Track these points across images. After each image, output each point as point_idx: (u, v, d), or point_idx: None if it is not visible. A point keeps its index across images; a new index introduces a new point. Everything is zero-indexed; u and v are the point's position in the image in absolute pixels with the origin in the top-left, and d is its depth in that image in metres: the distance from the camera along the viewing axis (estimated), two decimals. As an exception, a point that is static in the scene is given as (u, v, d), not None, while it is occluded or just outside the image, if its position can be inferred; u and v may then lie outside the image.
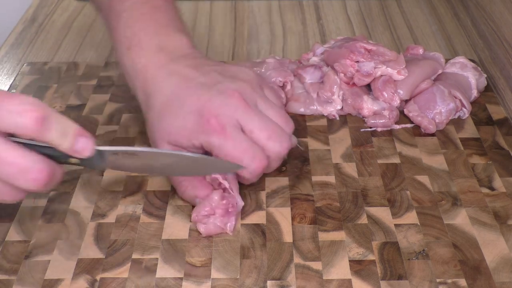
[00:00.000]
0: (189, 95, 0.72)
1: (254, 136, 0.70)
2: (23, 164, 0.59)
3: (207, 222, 0.70)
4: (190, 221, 0.72)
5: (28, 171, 0.59)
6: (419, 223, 0.72)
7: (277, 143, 0.71)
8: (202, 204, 0.71)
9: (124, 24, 0.75)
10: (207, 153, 0.72)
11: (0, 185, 0.60)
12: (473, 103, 0.90)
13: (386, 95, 0.87)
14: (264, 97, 0.74)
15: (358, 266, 0.67)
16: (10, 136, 0.60)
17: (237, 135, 0.70)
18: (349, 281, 0.66)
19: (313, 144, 0.84)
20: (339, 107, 0.88)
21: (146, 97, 0.75)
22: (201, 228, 0.70)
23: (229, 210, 0.71)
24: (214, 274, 0.67)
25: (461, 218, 0.73)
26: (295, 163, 0.81)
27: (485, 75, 0.93)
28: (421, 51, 0.94)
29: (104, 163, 0.65)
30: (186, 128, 0.71)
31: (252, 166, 0.70)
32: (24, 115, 0.57)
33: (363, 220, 0.73)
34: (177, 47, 0.76)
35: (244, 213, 0.74)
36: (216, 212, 0.70)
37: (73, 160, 0.62)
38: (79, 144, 0.61)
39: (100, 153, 0.63)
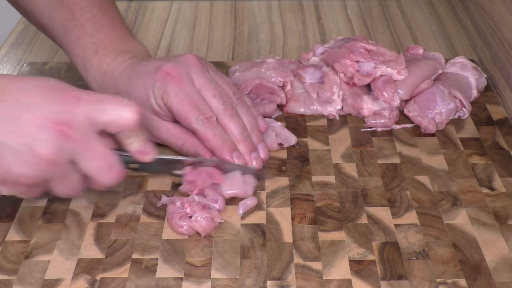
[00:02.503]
0: (147, 64, 0.80)
1: (203, 93, 0.78)
2: (111, 160, 0.66)
3: (193, 221, 0.71)
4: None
5: (113, 168, 0.66)
6: (419, 223, 0.72)
7: (220, 102, 0.78)
8: (174, 211, 0.72)
9: (89, 33, 0.83)
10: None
11: (75, 177, 0.66)
12: (473, 103, 0.90)
13: (386, 95, 0.87)
14: (213, 68, 0.82)
15: (358, 266, 0.67)
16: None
17: (190, 87, 0.78)
18: (349, 281, 0.66)
19: (313, 144, 0.84)
20: (339, 107, 0.88)
21: (112, 89, 0.81)
22: (198, 227, 0.71)
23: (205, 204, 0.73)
24: (214, 274, 0.67)
25: (461, 218, 0.73)
26: (295, 163, 0.81)
27: (485, 75, 0.93)
28: (421, 51, 0.94)
29: (158, 169, 0.75)
30: (148, 86, 0.78)
31: (199, 120, 0.77)
32: (129, 108, 0.66)
33: (363, 220, 0.73)
34: (138, 51, 0.85)
35: (244, 213, 0.74)
36: (195, 211, 0.71)
37: (133, 165, 0.71)
38: (146, 148, 0.70)
39: (157, 159, 0.71)
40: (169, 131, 0.80)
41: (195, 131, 0.77)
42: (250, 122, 0.80)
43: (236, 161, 0.77)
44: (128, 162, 0.70)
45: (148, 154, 0.70)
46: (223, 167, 0.77)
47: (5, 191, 0.65)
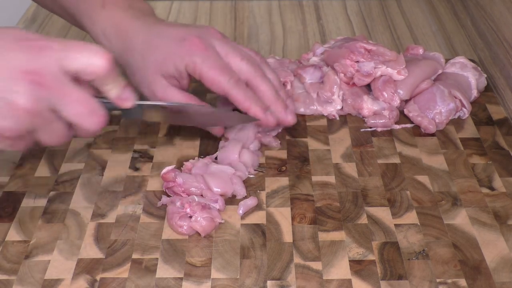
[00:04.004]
0: (168, 29, 0.81)
1: (229, 59, 0.80)
2: (93, 106, 0.65)
3: (193, 221, 0.71)
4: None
5: (95, 113, 0.65)
6: (419, 223, 0.72)
7: (249, 64, 0.81)
8: (174, 211, 0.72)
9: None
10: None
11: (59, 125, 0.65)
12: (473, 103, 0.90)
13: (386, 95, 0.87)
14: (231, 41, 0.84)
15: (358, 266, 0.67)
16: None
17: (216, 55, 0.80)
18: (349, 281, 0.66)
19: (313, 144, 0.84)
20: (339, 107, 0.88)
21: (123, 45, 0.82)
22: (198, 227, 0.71)
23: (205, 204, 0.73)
24: (214, 274, 0.67)
25: (461, 218, 0.73)
26: (295, 163, 0.81)
27: (485, 75, 0.93)
28: (421, 51, 0.94)
29: (141, 115, 0.74)
30: (171, 54, 0.79)
31: (231, 83, 0.79)
32: (99, 55, 0.65)
33: (363, 220, 0.73)
34: (144, 8, 0.85)
35: (244, 213, 0.74)
36: (195, 211, 0.71)
37: (115, 112, 0.70)
38: (125, 94, 0.69)
39: (138, 105, 0.71)
40: (175, 97, 0.80)
41: (228, 93, 0.79)
42: (275, 80, 0.84)
43: (270, 120, 0.80)
44: (110, 109, 0.69)
45: (128, 100, 0.69)
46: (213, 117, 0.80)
47: None
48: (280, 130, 0.85)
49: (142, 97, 0.79)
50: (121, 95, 0.69)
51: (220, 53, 0.80)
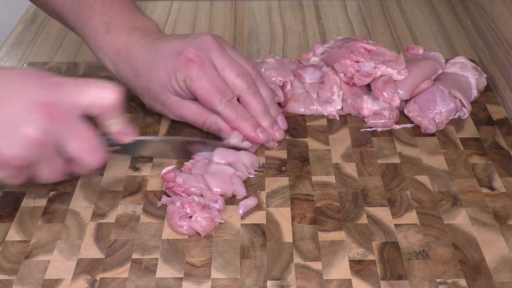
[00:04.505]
0: (165, 46, 0.82)
1: (225, 74, 0.81)
2: (95, 143, 0.68)
3: (193, 221, 0.71)
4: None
5: (97, 150, 0.68)
6: (419, 223, 0.72)
7: (244, 81, 0.81)
8: (174, 211, 0.72)
9: (99, 13, 0.84)
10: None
11: (60, 160, 0.68)
12: (473, 103, 0.90)
13: (386, 95, 0.87)
14: (229, 46, 0.85)
15: (358, 266, 0.67)
16: None
17: (212, 71, 0.80)
18: (349, 281, 0.66)
19: (313, 144, 0.84)
20: (339, 107, 0.88)
21: (129, 70, 0.83)
22: (198, 227, 0.71)
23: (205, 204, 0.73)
24: (214, 274, 0.67)
25: (461, 218, 0.73)
26: (295, 163, 0.81)
27: (485, 75, 0.93)
28: (421, 51, 0.94)
29: (139, 150, 0.78)
30: (170, 71, 0.80)
31: (223, 103, 0.80)
32: (111, 89, 0.68)
33: (363, 220, 0.73)
34: (148, 27, 0.86)
35: (244, 213, 0.74)
36: (195, 211, 0.71)
37: (115, 148, 0.73)
38: (126, 129, 0.71)
39: (137, 141, 0.74)
40: (190, 109, 0.82)
41: (218, 113, 0.81)
42: (268, 96, 0.85)
43: (261, 136, 0.81)
44: (109, 145, 0.72)
45: (129, 135, 0.72)
46: (211, 144, 0.80)
47: None
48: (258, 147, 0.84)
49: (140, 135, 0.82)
50: (122, 130, 0.71)
51: (217, 67, 0.81)
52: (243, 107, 0.82)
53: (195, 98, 0.82)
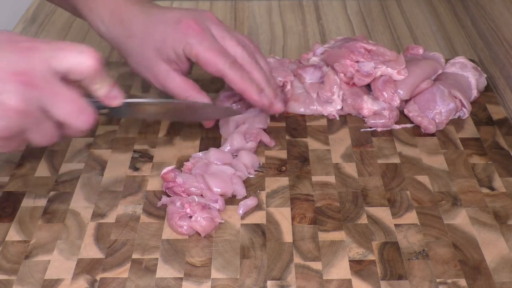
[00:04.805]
0: (165, 13, 0.82)
1: (225, 43, 0.81)
2: (81, 104, 0.66)
3: (193, 221, 0.71)
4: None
5: (84, 111, 0.66)
6: (419, 223, 0.72)
7: (244, 50, 0.82)
8: (174, 211, 0.72)
9: None
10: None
11: (49, 125, 0.66)
12: (473, 103, 0.90)
13: (386, 95, 0.87)
14: (227, 26, 0.85)
15: (358, 266, 0.67)
16: None
17: (212, 38, 0.81)
18: (349, 281, 0.66)
19: (313, 144, 0.84)
20: (339, 107, 0.88)
21: (122, 31, 0.82)
22: (198, 227, 0.71)
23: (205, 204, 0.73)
24: (214, 274, 0.67)
25: (461, 218, 0.73)
26: (295, 163, 0.81)
27: (485, 75, 0.93)
28: (421, 51, 0.94)
29: (128, 113, 0.75)
30: (168, 38, 0.80)
31: (227, 64, 0.80)
32: (88, 54, 0.65)
33: (363, 220, 0.73)
34: None
35: (244, 213, 0.74)
36: (195, 211, 0.71)
37: (103, 111, 0.71)
38: (113, 92, 0.70)
39: (125, 104, 0.72)
40: (175, 81, 0.82)
41: (224, 75, 0.80)
42: (267, 69, 0.84)
43: (264, 101, 0.81)
44: (98, 108, 0.70)
45: (116, 99, 0.70)
46: (198, 109, 0.81)
47: None
48: (266, 126, 0.85)
49: (126, 94, 0.79)
50: (109, 94, 0.69)
51: (216, 37, 0.81)
52: (247, 72, 0.81)
53: (183, 73, 0.82)
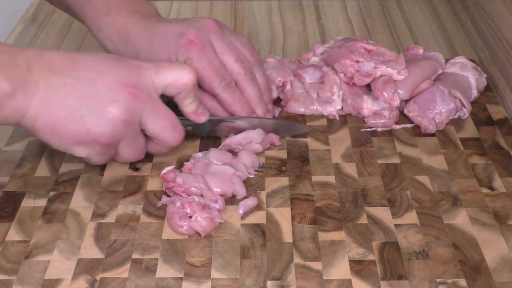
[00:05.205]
0: (167, 27, 0.83)
1: (224, 58, 0.83)
2: (175, 121, 0.73)
3: (193, 221, 0.71)
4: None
5: (176, 128, 0.74)
6: (419, 223, 0.72)
7: (241, 67, 0.83)
8: (174, 211, 0.72)
9: None
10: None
11: (141, 139, 0.73)
12: (473, 103, 0.90)
13: (386, 95, 0.87)
14: (229, 30, 0.86)
15: (358, 266, 0.67)
16: None
17: (212, 53, 0.82)
18: (349, 281, 0.66)
19: (313, 144, 0.84)
20: (339, 107, 0.88)
21: (129, 51, 0.84)
22: (198, 227, 0.71)
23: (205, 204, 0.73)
24: (214, 274, 0.67)
25: (461, 218, 0.73)
26: (295, 163, 0.81)
27: (485, 75, 0.93)
28: (421, 51, 0.94)
29: (209, 130, 0.82)
30: (171, 52, 0.81)
31: (222, 86, 0.82)
32: (187, 70, 0.73)
33: (363, 220, 0.73)
34: (148, 11, 0.87)
35: (244, 213, 0.74)
36: (195, 211, 0.71)
37: (187, 128, 0.77)
38: (200, 109, 0.77)
39: (209, 121, 0.79)
40: None
41: (217, 95, 0.82)
42: (263, 83, 0.86)
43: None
44: (183, 125, 0.75)
45: (203, 115, 0.77)
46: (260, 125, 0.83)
47: (83, 151, 0.71)
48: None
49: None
50: (197, 110, 0.76)
51: (216, 50, 0.82)
52: (240, 93, 0.83)
53: None
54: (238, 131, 0.83)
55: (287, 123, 0.86)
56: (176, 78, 0.73)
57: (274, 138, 0.83)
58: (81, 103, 0.69)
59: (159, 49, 0.82)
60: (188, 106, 0.75)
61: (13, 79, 0.66)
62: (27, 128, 0.70)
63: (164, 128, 0.73)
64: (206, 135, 0.83)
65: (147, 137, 0.75)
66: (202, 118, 0.77)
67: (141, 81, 0.71)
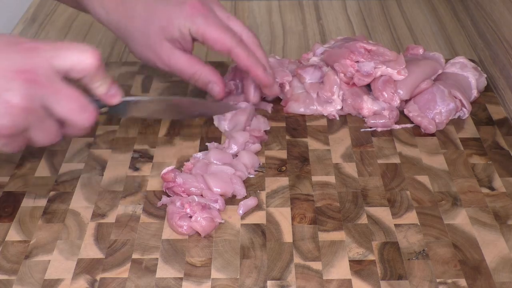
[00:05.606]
0: None
1: (230, 22, 0.83)
2: (83, 102, 0.67)
3: (193, 221, 0.71)
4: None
5: (85, 109, 0.67)
6: (419, 223, 0.72)
7: (249, 31, 0.84)
8: (174, 211, 0.72)
9: None
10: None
11: (51, 123, 0.67)
12: (473, 103, 0.90)
13: (386, 95, 0.87)
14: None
15: (358, 266, 0.67)
16: None
17: (217, 18, 0.82)
18: (349, 281, 0.66)
19: (313, 144, 0.84)
20: (339, 107, 0.88)
21: (123, 12, 0.83)
22: (198, 227, 0.71)
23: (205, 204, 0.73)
24: (214, 274, 0.67)
25: (461, 218, 0.73)
26: (295, 163, 0.81)
27: (485, 75, 0.93)
28: (421, 51, 0.94)
29: (127, 111, 0.75)
30: (173, 18, 0.81)
31: (235, 41, 0.81)
32: (89, 53, 0.67)
33: (363, 220, 0.73)
34: None
35: (244, 213, 0.74)
36: (195, 211, 0.71)
37: (103, 109, 0.72)
38: (112, 90, 0.71)
39: (124, 102, 0.73)
40: (181, 59, 0.83)
41: (231, 50, 0.81)
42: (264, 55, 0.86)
43: (267, 79, 0.84)
44: (98, 107, 0.71)
45: (115, 97, 0.71)
46: (197, 107, 0.83)
47: None
48: (269, 128, 0.86)
49: (126, 94, 0.79)
50: (109, 92, 0.71)
51: (221, 17, 0.83)
52: (251, 50, 0.83)
53: (189, 50, 0.83)
54: (163, 114, 0.82)
55: (216, 103, 0.85)
56: (77, 62, 0.67)
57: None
58: None
59: (158, 11, 0.81)
60: (98, 89, 0.70)
61: None
62: None
63: (72, 110, 0.67)
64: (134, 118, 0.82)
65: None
66: (114, 100, 0.72)
67: (37, 65, 0.65)
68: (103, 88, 0.70)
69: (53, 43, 0.67)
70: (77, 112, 0.67)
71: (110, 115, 0.76)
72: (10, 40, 0.67)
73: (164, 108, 0.80)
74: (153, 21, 0.82)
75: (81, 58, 0.67)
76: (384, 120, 0.86)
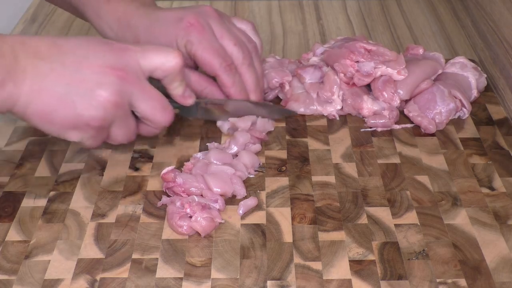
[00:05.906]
0: (167, 13, 0.84)
1: (223, 42, 0.83)
2: (165, 102, 0.74)
3: (193, 221, 0.71)
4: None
5: (166, 108, 0.74)
6: (419, 223, 0.72)
7: (240, 51, 0.84)
8: (174, 211, 0.72)
9: None
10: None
11: (132, 121, 0.74)
12: (473, 103, 0.90)
13: (386, 95, 0.87)
14: (228, 18, 0.87)
15: (358, 266, 0.67)
16: None
17: (212, 36, 0.83)
18: (349, 281, 0.66)
19: (313, 144, 0.84)
20: (339, 107, 0.88)
21: (129, 36, 0.84)
22: (198, 227, 0.71)
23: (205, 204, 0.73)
24: (214, 274, 0.67)
25: (461, 218, 0.73)
26: (295, 163, 0.81)
27: (485, 75, 0.93)
28: (421, 51, 0.94)
29: (197, 113, 0.83)
30: (171, 36, 0.82)
31: (223, 67, 0.82)
32: (174, 54, 0.74)
33: (363, 220, 0.73)
34: (147, 0, 0.88)
35: (244, 213, 0.74)
36: (195, 211, 0.71)
37: (175, 110, 0.77)
38: (187, 92, 0.78)
39: (196, 103, 0.80)
40: (189, 77, 0.84)
41: (217, 76, 0.83)
42: (259, 70, 0.87)
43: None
44: (173, 106, 0.76)
45: (190, 98, 0.78)
46: (252, 109, 0.85)
47: (76, 136, 0.71)
48: (273, 129, 0.86)
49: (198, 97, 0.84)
50: (184, 93, 0.77)
51: (216, 34, 0.83)
52: (240, 77, 0.84)
53: (193, 67, 0.84)
54: (227, 115, 0.84)
55: (274, 106, 0.88)
56: (163, 62, 0.73)
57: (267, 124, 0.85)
58: (70, 88, 0.69)
59: (160, 34, 0.83)
60: (176, 89, 0.76)
61: (1, 68, 0.66)
62: (18, 115, 0.70)
63: (154, 109, 0.73)
64: (201, 119, 0.85)
65: (137, 118, 0.75)
66: (189, 101, 0.78)
67: (128, 64, 0.71)
68: (180, 89, 0.76)
69: (141, 45, 0.74)
70: (159, 111, 0.73)
71: (180, 114, 0.81)
72: (101, 41, 0.73)
73: (231, 110, 0.84)
74: (155, 41, 0.83)
75: (167, 59, 0.73)
76: (384, 120, 0.86)
